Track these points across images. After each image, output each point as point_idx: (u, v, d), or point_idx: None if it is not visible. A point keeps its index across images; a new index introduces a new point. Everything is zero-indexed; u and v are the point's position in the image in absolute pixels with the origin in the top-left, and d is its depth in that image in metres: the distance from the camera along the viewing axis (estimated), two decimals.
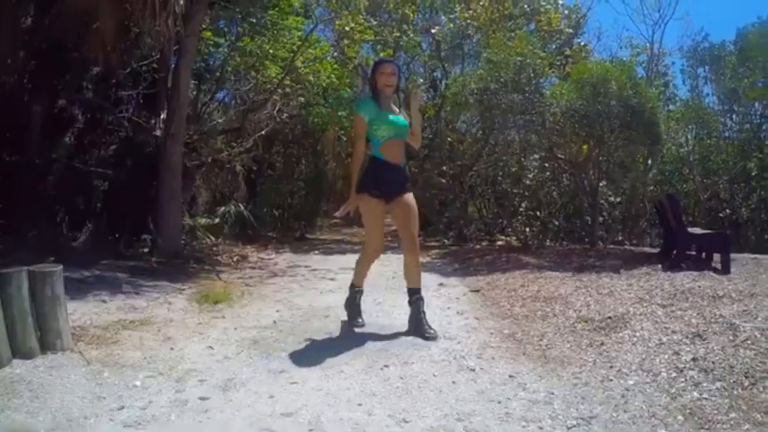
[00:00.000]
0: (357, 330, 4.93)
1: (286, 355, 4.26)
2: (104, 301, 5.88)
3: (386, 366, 3.95)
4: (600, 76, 9.14)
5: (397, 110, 4.83)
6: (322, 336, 4.82)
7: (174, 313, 5.65)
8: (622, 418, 3.07)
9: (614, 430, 2.95)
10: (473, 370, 3.88)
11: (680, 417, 3.02)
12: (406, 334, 4.75)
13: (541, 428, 2.99)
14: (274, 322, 5.32)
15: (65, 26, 8.01)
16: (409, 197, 4.80)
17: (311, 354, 4.28)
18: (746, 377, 3.40)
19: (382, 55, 14.47)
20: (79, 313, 5.22)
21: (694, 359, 3.76)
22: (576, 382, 3.60)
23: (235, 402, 3.37)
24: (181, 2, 8.08)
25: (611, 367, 3.82)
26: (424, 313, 4.82)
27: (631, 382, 3.53)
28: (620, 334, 4.47)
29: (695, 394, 3.29)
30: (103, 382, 3.63)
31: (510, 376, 3.73)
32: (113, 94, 10.02)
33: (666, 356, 3.89)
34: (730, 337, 4.10)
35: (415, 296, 4.84)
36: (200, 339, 4.72)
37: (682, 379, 3.49)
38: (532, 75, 9.77)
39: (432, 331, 4.68)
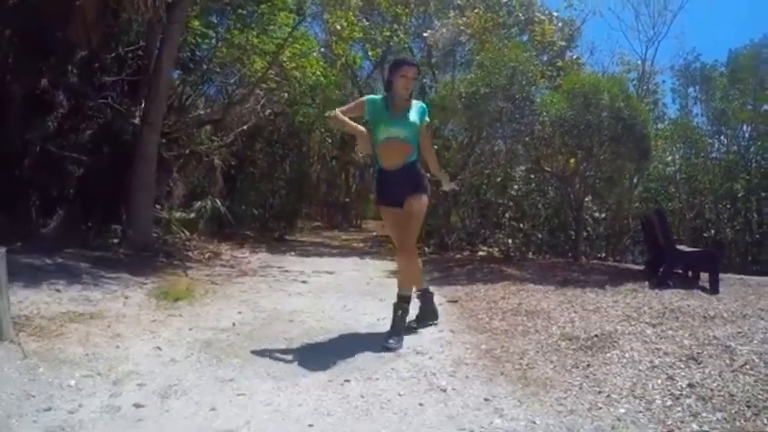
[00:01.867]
0: (314, 339, 4.62)
1: (238, 361, 3.91)
2: (58, 291, 5.58)
3: (347, 381, 3.57)
4: (592, 87, 8.98)
5: (408, 113, 4.64)
6: (281, 342, 4.48)
7: (129, 308, 5.35)
8: None
9: None
10: (444, 390, 3.48)
11: None
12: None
13: None
14: (233, 324, 4.98)
15: (49, 6, 7.72)
16: (415, 201, 4.63)
17: (266, 362, 3.92)
18: (748, 407, 3.09)
19: (370, 54, 14.28)
20: (29, 301, 4.97)
21: (690, 385, 3.43)
22: (560, 410, 3.20)
23: (172, 412, 3.05)
24: None
25: (599, 392, 3.45)
26: (401, 320, 4.66)
27: (623, 411, 3.16)
28: (608, 355, 4.13)
29: (695, 426, 2.95)
30: (36, 379, 3.39)
31: (485, 400, 3.33)
32: (97, 79, 9.79)
33: (659, 381, 3.55)
34: (727, 361, 3.81)
35: (401, 302, 4.75)
36: (150, 338, 4.41)
37: (679, 408, 3.15)
38: (524, 83, 9.54)
39: (392, 342, 4.39)
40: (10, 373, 3.39)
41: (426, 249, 12.22)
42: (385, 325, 4.89)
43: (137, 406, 3.09)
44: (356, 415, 3.09)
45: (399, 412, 3.13)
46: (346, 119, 4.60)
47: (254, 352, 4.15)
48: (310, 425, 2.94)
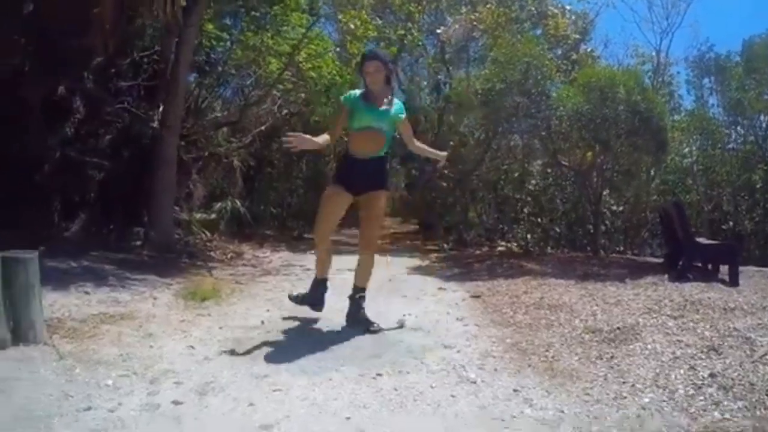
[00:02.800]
0: (342, 330, 4.79)
1: (271, 358, 4.01)
2: (87, 293, 5.65)
3: (379, 375, 3.68)
4: (608, 80, 8.97)
5: (386, 106, 4.75)
6: (311, 339, 4.56)
7: (158, 308, 5.43)
8: None
9: None
10: (474, 382, 3.60)
11: None
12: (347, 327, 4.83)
13: None
14: (262, 322, 5.07)
15: (65, 13, 7.80)
16: (377, 198, 4.80)
17: (299, 359, 4.00)
18: None
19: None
20: (59, 304, 5.02)
21: (711, 375, 3.55)
22: (587, 399, 3.33)
23: (210, 408, 3.13)
24: None
25: (624, 382, 3.57)
26: (363, 309, 4.90)
27: (647, 400, 3.29)
28: (631, 347, 4.25)
29: (716, 414, 3.07)
30: (73, 379, 3.43)
31: (514, 390, 3.45)
32: (113, 84, 9.87)
33: (682, 371, 3.67)
34: (747, 352, 3.93)
35: (358, 294, 4.94)
36: (182, 337, 4.49)
37: (701, 398, 3.27)
38: (539, 77, 9.56)
39: (376, 325, 4.75)
40: (47, 375, 3.45)
41: (445, 245, 12.29)
42: (410, 321, 5.12)
43: (176, 403, 3.16)
44: (391, 407, 3.20)
45: (432, 404, 3.24)
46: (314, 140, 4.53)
47: (286, 349, 4.23)
48: (348, 418, 3.04)
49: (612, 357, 4.05)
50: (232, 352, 4.11)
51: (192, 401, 3.21)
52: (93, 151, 9.46)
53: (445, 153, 5.44)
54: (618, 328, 4.72)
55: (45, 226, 8.24)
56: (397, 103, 4.86)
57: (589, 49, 15.48)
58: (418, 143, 5.26)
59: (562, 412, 3.15)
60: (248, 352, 4.14)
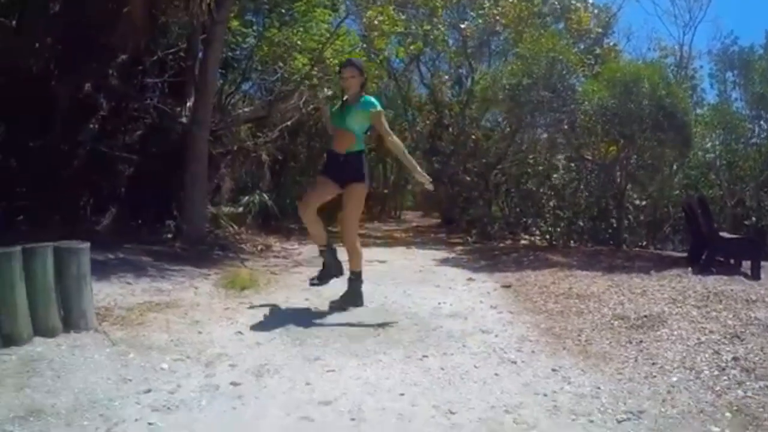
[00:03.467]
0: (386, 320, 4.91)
1: (319, 342, 4.19)
2: (129, 283, 5.81)
3: (425, 356, 3.88)
4: (632, 75, 9.01)
5: (354, 106, 5.21)
6: (354, 325, 4.75)
7: (200, 297, 5.60)
8: (671, 413, 3.03)
9: (665, 425, 2.90)
10: (515, 362, 3.82)
11: (728, 414, 3.02)
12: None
13: (591, 422, 2.94)
14: (306, 309, 5.28)
15: (93, 12, 7.99)
16: (353, 189, 5.25)
17: (345, 342, 4.20)
18: None
19: (412, 47, 14.42)
20: (104, 293, 5.17)
21: (734, 359, 3.76)
22: (620, 378, 3.55)
23: (269, 388, 3.29)
24: None
25: (653, 363, 3.78)
26: (359, 288, 5.42)
27: (675, 379, 3.50)
28: (658, 332, 4.45)
29: (740, 392, 3.28)
30: (128, 364, 3.57)
31: (553, 370, 3.68)
32: (139, 81, 10.04)
33: (707, 355, 3.88)
34: None
35: (352, 276, 5.45)
36: (228, 324, 4.66)
37: (725, 378, 3.48)
38: (564, 72, 9.65)
39: (360, 303, 5.36)
40: (101, 360, 3.58)
41: (469, 239, 12.40)
42: (446, 308, 5.36)
43: (234, 384, 3.31)
44: (441, 385, 3.39)
45: (479, 381, 3.46)
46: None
47: (331, 334, 4.41)
48: (401, 394, 3.23)
49: (641, 341, 4.26)
50: (282, 337, 4.28)
51: (250, 382, 3.36)
52: (122, 146, 9.68)
53: (429, 178, 5.54)
54: (645, 316, 4.90)
55: (76, 219, 8.44)
56: (366, 100, 5.24)
57: (611, 43, 15.52)
58: (402, 149, 5.49)
59: (599, 388, 3.36)
60: (296, 336, 4.31)
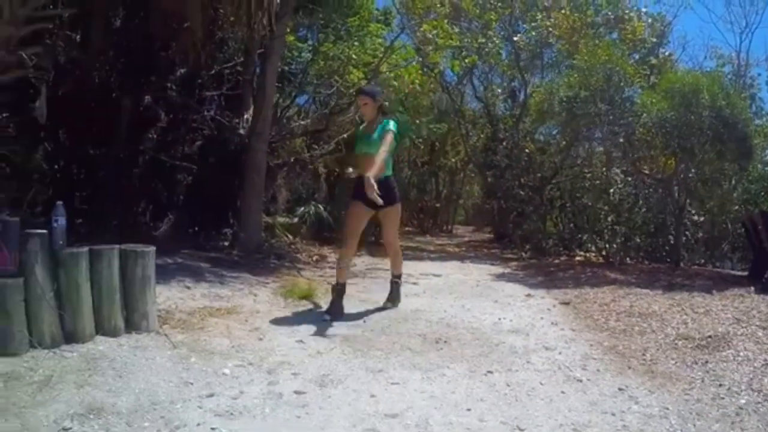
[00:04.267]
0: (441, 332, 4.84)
1: (381, 354, 4.15)
2: (188, 288, 5.86)
3: (490, 372, 3.83)
4: (691, 85, 8.76)
5: (374, 131, 5.38)
6: (416, 338, 4.70)
7: (260, 304, 5.63)
8: None
9: None
10: (580, 380, 3.75)
11: None
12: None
13: None
14: (364, 321, 5.26)
15: (154, 28, 8.18)
16: (389, 212, 5.54)
17: (408, 355, 4.17)
18: None
19: (467, 61, 14.36)
20: (164, 296, 5.21)
21: None
22: (688, 398, 3.48)
23: (333, 399, 3.27)
24: (276, 1, 8.11)
25: (720, 385, 3.72)
26: (399, 291, 6.00)
27: (743, 401, 3.44)
28: (723, 353, 4.37)
29: None
30: (190, 368, 3.59)
31: (619, 389, 3.60)
32: (197, 94, 10.20)
33: None
34: None
35: (395, 279, 6.03)
36: (290, 332, 4.66)
37: None
38: (621, 83, 9.48)
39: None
40: (163, 362, 3.60)
41: (523, 254, 12.24)
42: (506, 324, 5.29)
43: (298, 393, 3.29)
44: (507, 401, 3.34)
45: (545, 398, 3.39)
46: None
47: (393, 346, 4.38)
48: (468, 409, 3.18)
49: (706, 362, 4.18)
50: (343, 348, 4.27)
51: (314, 391, 3.34)
52: (181, 156, 9.87)
53: (373, 183, 5.00)
54: (709, 336, 4.79)
55: (135, 225, 8.60)
56: (383, 123, 5.37)
57: (667, 53, 15.21)
58: (380, 159, 5.15)
59: (667, 408, 3.29)
60: (357, 347, 4.29)
